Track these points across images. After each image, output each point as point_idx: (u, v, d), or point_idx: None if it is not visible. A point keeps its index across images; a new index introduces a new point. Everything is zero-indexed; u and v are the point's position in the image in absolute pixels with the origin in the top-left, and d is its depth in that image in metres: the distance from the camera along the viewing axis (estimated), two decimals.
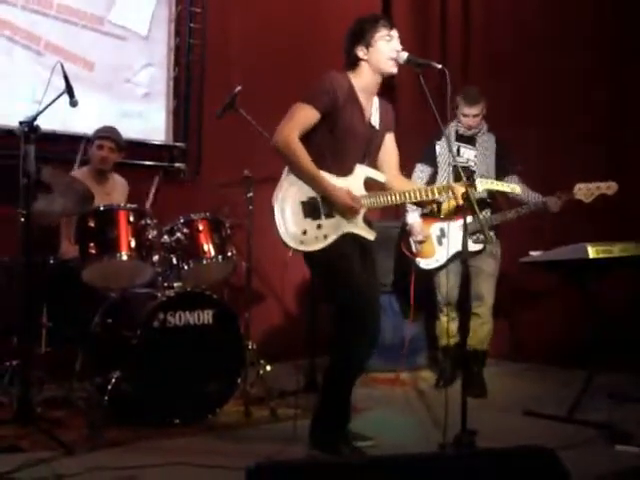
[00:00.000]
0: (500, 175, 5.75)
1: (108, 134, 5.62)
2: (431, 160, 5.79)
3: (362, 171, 4.18)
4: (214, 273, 5.41)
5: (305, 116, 4.04)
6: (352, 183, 4.12)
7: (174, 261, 5.14)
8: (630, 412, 5.02)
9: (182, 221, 5.20)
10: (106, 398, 4.55)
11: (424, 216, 5.82)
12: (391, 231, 6.64)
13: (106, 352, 4.93)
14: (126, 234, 4.92)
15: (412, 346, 6.50)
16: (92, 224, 4.91)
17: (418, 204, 4.66)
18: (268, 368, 5.44)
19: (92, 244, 4.88)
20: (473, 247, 5.57)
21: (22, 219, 4.30)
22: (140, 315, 4.73)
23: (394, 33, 4.14)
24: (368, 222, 4.20)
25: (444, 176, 5.71)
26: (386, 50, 4.09)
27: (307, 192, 4.03)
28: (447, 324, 5.78)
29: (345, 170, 4.13)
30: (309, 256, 4.08)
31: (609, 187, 5.29)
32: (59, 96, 4.45)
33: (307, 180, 4.02)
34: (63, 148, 5.82)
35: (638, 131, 6.42)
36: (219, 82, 6.56)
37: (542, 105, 6.97)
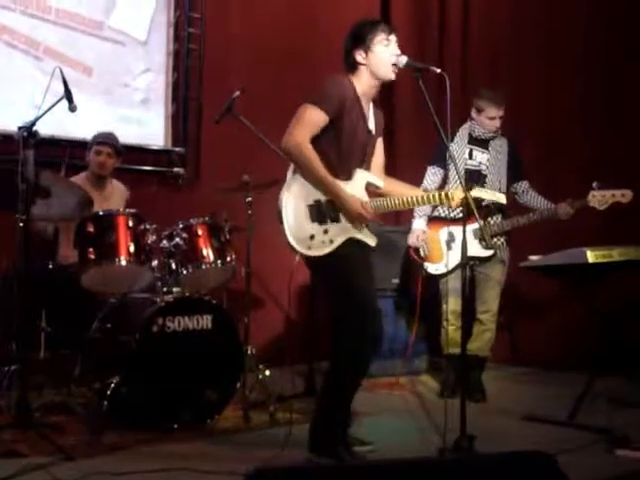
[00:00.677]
0: (511, 179, 5.75)
1: (106, 139, 5.63)
2: (442, 163, 5.72)
3: (362, 176, 4.17)
4: (213, 278, 5.41)
5: (315, 119, 4.00)
6: (354, 188, 4.11)
7: (173, 266, 5.13)
8: (630, 417, 5.02)
9: (181, 226, 5.19)
10: (105, 403, 4.54)
11: (434, 220, 5.79)
12: (392, 235, 6.65)
13: (105, 357, 4.92)
14: (125, 239, 4.93)
15: (413, 351, 6.51)
16: (91, 229, 4.91)
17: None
18: (267, 373, 5.43)
19: (91, 249, 4.88)
20: (484, 253, 5.55)
21: (21, 224, 4.30)
22: (139, 320, 4.72)
23: (392, 38, 4.13)
24: (368, 227, 4.20)
25: (455, 178, 5.67)
26: (384, 55, 4.09)
27: (313, 195, 4.01)
28: (451, 332, 5.66)
29: (347, 175, 4.12)
30: (314, 260, 4.07)
31: (624, 195, 5.23)
32: (58, 101, 4.44)
33: (318, 185, 4.00)
34: (62, 153, 5.81)
35: (635, 135, 6.42)
36: (217, 87, 6.55)
37: (541, 110, 6.97)
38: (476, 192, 4.43)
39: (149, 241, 5.01)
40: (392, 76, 4.14)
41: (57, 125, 5.56)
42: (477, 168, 5.71)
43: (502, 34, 7.43)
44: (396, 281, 6.73)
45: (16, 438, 4.21)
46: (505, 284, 5.85)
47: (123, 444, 4.38)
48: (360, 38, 4.12)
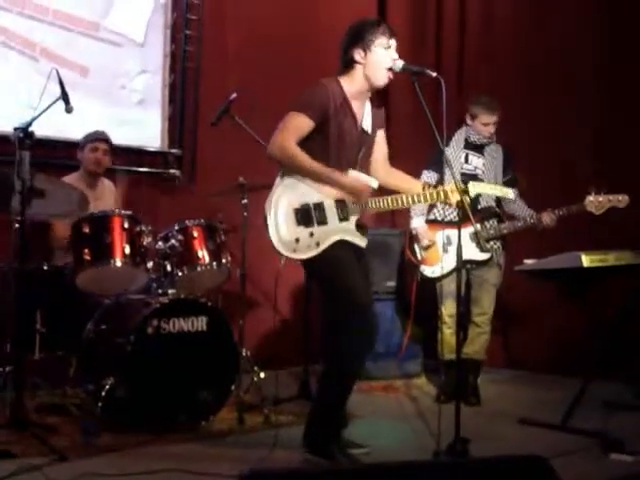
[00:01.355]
0: (505, 185, 5.75)
1: (101, 136, 5.61)
2: (437, 167, 5.71)
3: (355, 177, 4.18)
4: (208, 280, 5.41)
5: (299, 125, 4.04)
6: None
7: (168, 268, 5.14)
8: (624, 421, 5.03)
9: (177, 228, 5.20)
10: (100, 404, 4.54)
11: (430, 223, 5.79)
12: (388, 238, 6.66)
13: (100, 358, 4.91)
14: (120, 240, 4.93)
15: (407, 353, 6.51)
16: (86, 230, 4.91)
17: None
18: (262, 375, 5.43)
19: (86, 250, 4.88)
20: (480, 256, 5.56)
21: (16, 225, 4.30)
22: (134, 321, 4.71)
23: (393, 42, 4.14)
24: (361, 228, 4.20)
25: (451, 182, 5.66)
26: (383, 58, 4.09)
27: (300, 199, 4.04)
28: (449, 337, 5.65)
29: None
30: (305, 263, 4.09)
31: (621, 200, 5.23)
32: (54, 102, 4.44)
33: (312, 176, 4.03)
34: (58, 154, 5.81)
35: (633, 139, 6.43)
36: (214, 89, 6.55)
37: (537, 113, 6.98)
38: (481, 188, 4.44)
39: (144, 242, 5.01)
40: (382, 83, 4.16)
41: (53, 126, 5.56)
42: (473, 172, 5.72)
43: (500, 36, 7.42)
44: (392, 284, 6.72)
45: (10, 439, 4.22)
46: (500, 288, 5.86)
47: (117, 445, 4.38)
48: (361, 37, 4.12)
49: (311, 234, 4.02)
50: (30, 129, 4.31)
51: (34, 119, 4.34)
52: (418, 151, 6.43)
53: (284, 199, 4.03)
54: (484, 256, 5.57)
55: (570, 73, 6.88)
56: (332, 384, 4.13)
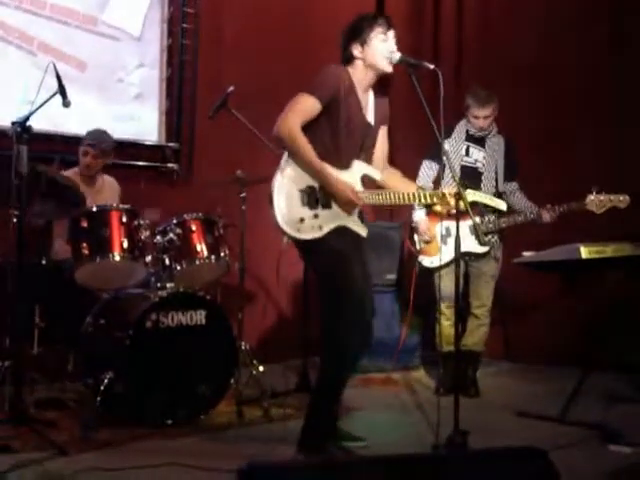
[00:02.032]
0: (506, 178, 5.74)
1: (94, 141, 5.60)
2: (438, 157, 5.67)
3: (359, 167, 4.18)
4: (207, 273, 5.41)
5: (307, 106, 4.03)
6: (349, 178, 4.11)
7: (167, 261, 5.14)
8: (623, 412, 5.04)
9: (175, 221, 5.19)
10: (98, 399, 4.53)
11: (430, 214, 5.79)
12: (388, 231, 6.65)
13: (98, 353, 4.91)
14: (119, 234, 4.93)
15: (405, 346, 6.52)
16: (85, 224, 4.92)
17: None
18: (261, 368, 5.42)
19: (85, 244, 4.89)
20: (479, 249, 5.56)
21: (14, 219, 4.30)
22: (133, 316, 4.72)
23: (390, 33, 4.14)
24: (362, 218, 4.20)
25: (450, 175, 5.65)
26: (380, 50, 4.09)
27: (306, 180, 4.03)
28: (448, 329, 5.63)
29: (343, 164, 4.13)
30: (305, 247, 4.08)
31: (622, 200, 5.22)
32: (52, 96, 4.43)
33: (309, 171, 4.02)
34: (56, 148, 5.81)
35: (634, 133, 6.42)
36: (211, 82, 6.55)
37: (536, 107, 6.97)
38: (475, 197, 4.45)
39: (143, 236, 5.01)
40: (389, 69, 4.15)
41: (51, 120, 5.55)
42: (473, 165, 5.71)
43: (498, 31, 7.42)
44: (392, 277, 6.72)
45: (9, 433, 4.22)
46: (499, 280, 5.86)
47: (116, 440, 4.38)
48: (358, 32, 4.14)
49: (315, 216, 4.01)
50: (28, 123, 4.30)
51: (32, 113, 4.33)
52: (419, 142, 6.40)
53: (291, 178, 4.01)
54: (482, 249, 5.57)
55: (570, 70, 6.88)
56: (329, 378, 4.12)
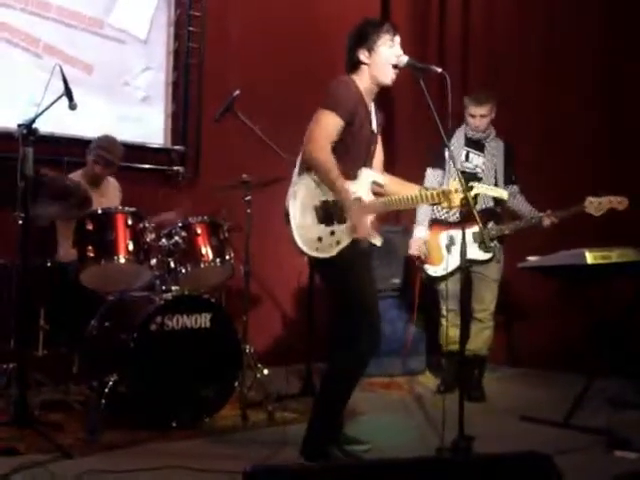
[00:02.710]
0: (506, 181, 5.74)
1: (107, 155, 5.59)
2: (441, 164, 5.73)
3: (367, 175, 4.16)
4: (212, 277, 5.41)
5: (333, 125, 3.98)
6: (360, 188, 4.08)
7: (172, 264, 5.14)
8: (628, 418, 5.02)
9: (180, 224, 5.20)
10: (103, 401, 4.53)
11: (434, 223, 5.80)
12: (393, 236, 6.64)
13: (103, 355, 4.92)
14: (124, 237, 4.93)
15: (410, 350, 6.51)
16: (90, 227, 4.93)
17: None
18: (265, 372, 5.42)
19: (90, 247, 4.89)
20: (483, 256, 5.56)
21: (20, 222, 4.30)
22: (137, 318, 4.72)
23: (397, 39, 4.13)
24: (375, 227, 4.18)
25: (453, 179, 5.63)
26: (387, 55, 4.08)
27: (319, 195, 3.98)
28: (449, 330, 5.68)
29: (354, 174, 4.11)
30: (322, 261, 4.05)
31: (620, 202, 5.22)
32: (58, 99, 4.43)
33: (330, 187, 3.96)
34: (62, 151, 5.81)
35: (634, 140, 6.42)
36: (218, 86, 6.55)
37: (541, 111, 6.97)
38: (477, 189, 4.42)
39: (148, 239, 5.02)
40: (389, 81, 4.13)
41: (57, 123, 5.56)
42: (473, 171, 5.72)
43: (503, 33, 7.41)
44: (396, 281, 6.71)
45: (14, 435, 4.22)
46: (503, 285, 5.86)
47: (121, 442, 4.38)
48: (364, 37, 4.11)
49: (332, 233, 3.97)
50: (34, 125, 4.30)
51: (38, 116, 4.33)
52: (419, 151, 6.40)
53: (304, 197, 3.97)
54: (486, 256, 5.58)
55: (571, 72, 6.88)
56: (336, 384, 4.11)
